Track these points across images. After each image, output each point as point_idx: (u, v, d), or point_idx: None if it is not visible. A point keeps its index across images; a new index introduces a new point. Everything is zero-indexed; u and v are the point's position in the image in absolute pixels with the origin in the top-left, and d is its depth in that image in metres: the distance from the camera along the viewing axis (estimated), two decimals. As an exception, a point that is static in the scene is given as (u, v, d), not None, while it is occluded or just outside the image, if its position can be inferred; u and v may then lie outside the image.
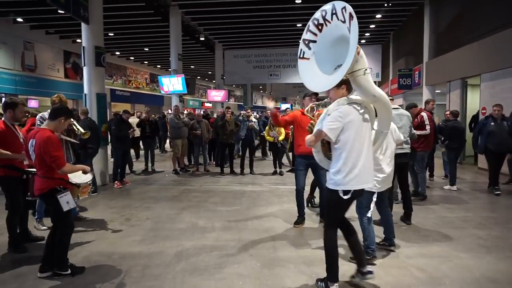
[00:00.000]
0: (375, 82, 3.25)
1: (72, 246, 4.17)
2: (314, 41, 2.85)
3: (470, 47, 10.50)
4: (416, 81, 14.58)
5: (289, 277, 3.42)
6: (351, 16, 2.48)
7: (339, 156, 2.90)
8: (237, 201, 6.49)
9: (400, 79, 15.27)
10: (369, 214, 3.61)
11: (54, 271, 3.39)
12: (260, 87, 39.39)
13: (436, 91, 14.10)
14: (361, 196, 3.15)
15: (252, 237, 4.52)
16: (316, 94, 5.01)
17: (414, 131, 5.34)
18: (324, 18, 2.73)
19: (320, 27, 2.79)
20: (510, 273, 3.48)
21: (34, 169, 3.58)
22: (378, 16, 15.03)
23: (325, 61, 2.83)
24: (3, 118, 4.13)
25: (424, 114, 6.19)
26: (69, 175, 3.60)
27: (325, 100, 4.09)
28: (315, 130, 3.01)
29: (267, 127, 9.16)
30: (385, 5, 12.91)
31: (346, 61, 2.52)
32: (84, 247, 4.19)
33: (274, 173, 9.16)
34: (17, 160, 3.99)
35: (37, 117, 4.90)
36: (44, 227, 4.72)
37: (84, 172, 3.69)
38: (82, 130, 5.11)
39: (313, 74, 2.86)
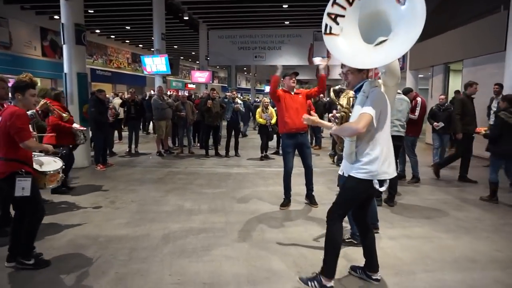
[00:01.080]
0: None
1: (57, 229, 4.14)
2: (343, 16, 2.57)
3: (453, 33, 10.62)
4: (400, 65, 14.65)
5: (276, 258, 3.47)
6: None
7: (376, 143, 2.61)
8: (223, 183, 6.49)
9: (385, 63, 15.33)
10: None
11: (18, 259, 3.19)
12: (245, 68, 39.00)
13: (419, 76, 14.28)
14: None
15: (239, 219, 4.54)
16: (296, 74, 5.01)
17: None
18: None
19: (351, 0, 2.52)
20: (488, 253, 3.63)
21: None
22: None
23: (365, 33, 2.55)
24: None
25: (419, 99, 6.31)
26: (35, 163, 3.42)
27: (341, 85, 3.58)
28: (357, 116, 2.59)
29: (258, 109, 8.94)
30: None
31: (411, 35, 2.23)
32: (69, 230, 4.13)
33: (261, 158, 8.95)
34: None
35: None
36: None
37: (47, 152, 3.52)
38: (63, 114, 5.00)
39: (353, 49, 2.54)
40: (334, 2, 2.58)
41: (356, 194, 2.77)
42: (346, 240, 3.68)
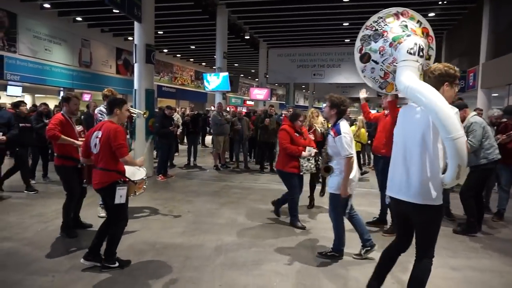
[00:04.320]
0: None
1: (119, 233, 4.43)
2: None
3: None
4: (471, 84, 13.75)
5: (327, 278, 3.39)
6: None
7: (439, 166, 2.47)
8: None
9: (453, 81, 14.45)
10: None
11: (103, 264, 3.44)
12: (303, 86, 39.05)
13: (493, 95, 13.20)
14: None
15: (291, 236, 4.52)
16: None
17: None
18: None
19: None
20: None
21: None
22: (431, 14, 14.33)
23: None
24: (62, 111, 4.48)
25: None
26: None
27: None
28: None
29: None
30: (440, 2, 12.28)
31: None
32: (129, 235, 4.40)
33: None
34: (75, 146, 4.29)
35: (96, 111, 5.15)
36: (103, 214, 4.80)
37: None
38: (140, 111, 5.39)
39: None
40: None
41: (438, 222, 2.58)
42: (328, 254, 3.85)
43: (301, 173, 4.87)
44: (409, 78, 2.53)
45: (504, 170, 5.45)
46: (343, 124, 3.67)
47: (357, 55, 2.97)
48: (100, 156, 3.43)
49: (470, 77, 13.85)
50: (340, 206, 3.69)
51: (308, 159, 4.83)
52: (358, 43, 2.94)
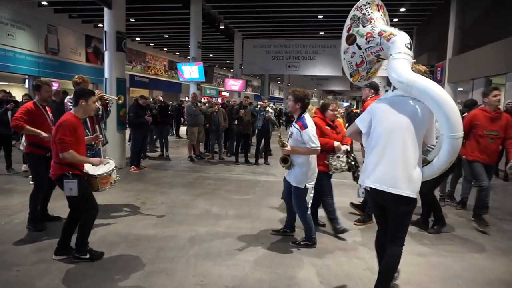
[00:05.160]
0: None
1: (90, 225, 4.32)
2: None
3: (496, 45, 10.18)
4: (438, 78, 14.26)
5: (300, 267, 3.45)
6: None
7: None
8: (251, 190, 6.54)
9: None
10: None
11: (74, 254, 3.38)
12: (278, 78, 39.19)
13: (458, 89, 13.77)
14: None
15: (265, 227, 4.56)
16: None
17: None
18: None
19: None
20: (526, 276, 3.43)
21: None
22: (402, 9, 14.68)
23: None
24: (35, 99, 4.31)
25: None
26: (87, 166, 3.55)
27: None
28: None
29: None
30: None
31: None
32: (101, 227, 4.31)
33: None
34: (43, 138, 4.12)
35: (66, 99, 4.90)
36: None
37: (95, 165, 3.54)
38: (114, 97, 5.24)
39: None
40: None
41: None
42: (301, 243, 3.92)
43: (330, 173, 4.30)
44: (412, 73, 2.52)
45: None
46: (308, 117, 3.73)
47: (344, 34, 2.89)
48: (53, 148, 3.33)
49: (438, 71, 14.35)
50: (303, 199, 3.75)
51: (338, 157, 4.20)
52: (348, 22, 2.85)
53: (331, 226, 4.38)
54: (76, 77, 4.91)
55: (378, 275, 2.69)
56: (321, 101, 9.65)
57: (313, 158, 3.80)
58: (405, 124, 2.51)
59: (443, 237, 4.40)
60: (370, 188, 2.62)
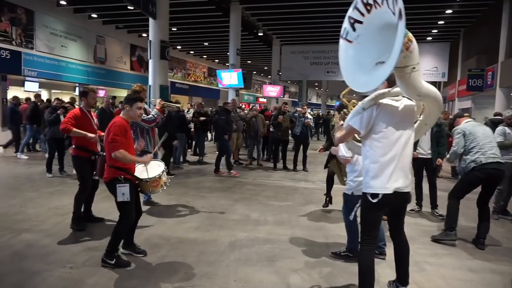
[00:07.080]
0: (439, 83, 2.95)
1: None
2: (360, 22, 2.38)
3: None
4: (489, 83, 13.46)
5: (341, 276, 3.36)
6: (400, 15, 2.02)
7: None
8: (290, 196, 6.49)
9: (470, 80, 14.15)
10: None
11: (102, 258, 3.41)
12: (316, 84, 38.86)
13: (511, 94, 12.90)
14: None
15: (305, 234, 4.50)
16: None
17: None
18: None
19: (368, 7, 2.30)
20: None
21: (103, 152, 3.74)
22: (449, 11, 14.07)
23: (368, 50, 2.38)
24: (81, 105, 4.57)
25: None
26: (138, 170, 3.60)
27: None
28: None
29: None
30: (458, -1, 12.05)
31: (389, 62, 2.11)
32: (145, 229, 4.45)
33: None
34: (90, 140, 4.36)
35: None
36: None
37: (145, 163, 3.63)
38: (176, 105, 5.62)
39: (355, 67, 2.47)
40: (355, 6, 2.38)
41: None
42: (342, 254, 3.78)
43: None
44: (428, 85, 2.63)
45: None
46: None
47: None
48: (106, 150, 3.42)
49: (488, 76, 13.55)
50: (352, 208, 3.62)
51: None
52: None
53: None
54: (135, 85, 5.12)
55: (399, 264, 2.90)
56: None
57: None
58: (408, 126, 2.70)
59: (498, 253, 4.11)
60: (388, 193, 2.59)
